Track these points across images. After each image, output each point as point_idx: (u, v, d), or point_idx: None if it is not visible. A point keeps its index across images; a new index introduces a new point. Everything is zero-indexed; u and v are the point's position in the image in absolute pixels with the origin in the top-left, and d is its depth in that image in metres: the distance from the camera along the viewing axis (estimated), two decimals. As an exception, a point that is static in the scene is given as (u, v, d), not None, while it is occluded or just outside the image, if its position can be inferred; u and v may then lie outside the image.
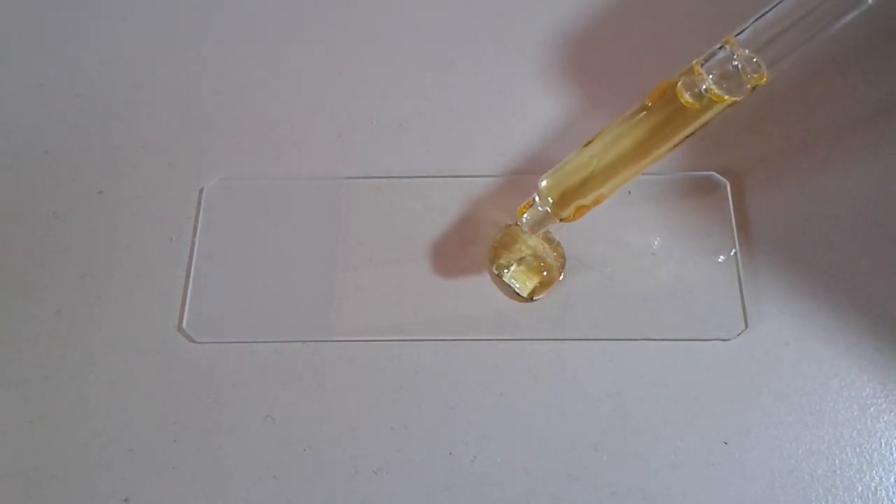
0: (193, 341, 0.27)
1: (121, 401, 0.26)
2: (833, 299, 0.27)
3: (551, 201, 0.24)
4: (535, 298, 0.27)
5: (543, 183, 0.24)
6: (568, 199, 0.24)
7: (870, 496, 0.24)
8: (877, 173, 0.28)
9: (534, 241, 0.28)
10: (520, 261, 0.27)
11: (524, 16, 0.33)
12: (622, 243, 0.28)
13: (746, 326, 0.26)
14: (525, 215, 0.25)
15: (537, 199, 0.24)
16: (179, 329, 0.27)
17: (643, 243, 0.28)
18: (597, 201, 0.24)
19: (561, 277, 0.27)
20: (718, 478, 0.24)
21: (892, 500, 0.24)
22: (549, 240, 0.28)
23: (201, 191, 0.29)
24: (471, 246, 0.28)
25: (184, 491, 0.25)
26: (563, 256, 0.28)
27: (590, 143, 0.24)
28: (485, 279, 0.28)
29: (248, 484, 0.25)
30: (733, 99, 0.22)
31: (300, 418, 0.26)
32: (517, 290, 0.27)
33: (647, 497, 0.24)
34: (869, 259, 0.27)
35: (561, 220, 0.24)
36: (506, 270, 0.27)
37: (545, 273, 0.27)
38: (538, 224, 0.25)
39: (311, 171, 0.30)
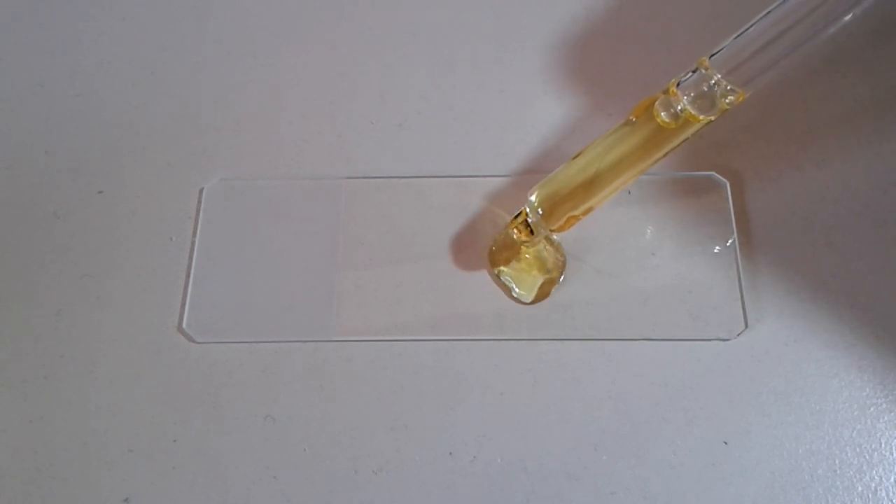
0: (193, 341, 0.27)
1: (121, 401, 0.26)
2: (833, 299, 0.27)
3: (541, 213, 0.24)
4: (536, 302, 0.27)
5: (533, 196, 0.24)
6: (558, 211, 0.24)
7: (870, 496, 0.24)
8: (877, 173, 0.28)
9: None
10: (520, 261, 0.27)
11: (524, 16, 0.33)
12: (622, 243, 0.28)
13: (746, 326, 0.26)
14: (516, 230, 0.25)
15: (528, 211, 0.25)
16: (179, 329, 0.27)
17: (643, 243, 0.28)
18: (587, 212, 0.25)
19: (561, 278, 0.27)
20: (718, 478, 0.24)
21: (892, 500, 0.24)
22: (550, 240, 0.28)
23: (201, 191, 0.29)
24: (471, 246, 0.28)
25: (184, 491, 0.25)
26: (563, 256, 0.28)
27: (578, 155, 0.24)
28: (485, 279, 0.28)
29: (248, 484, 0.25)
30: (708, 119, 0.23)
31: (300, 418, 0.26)
32: (519, 297, 0.27)
33: (647, 497, 0.24)
34: (869, 259, 0.27)
35: (551, 230, 0.25)
36: (504, 270, 0.27)
37: (547, 272, 0.27)
38: (529, 235, 0.25)
39: (311, 171, 0.30)
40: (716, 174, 0.29)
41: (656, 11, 0.32)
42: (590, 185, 0.24)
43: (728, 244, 0.27)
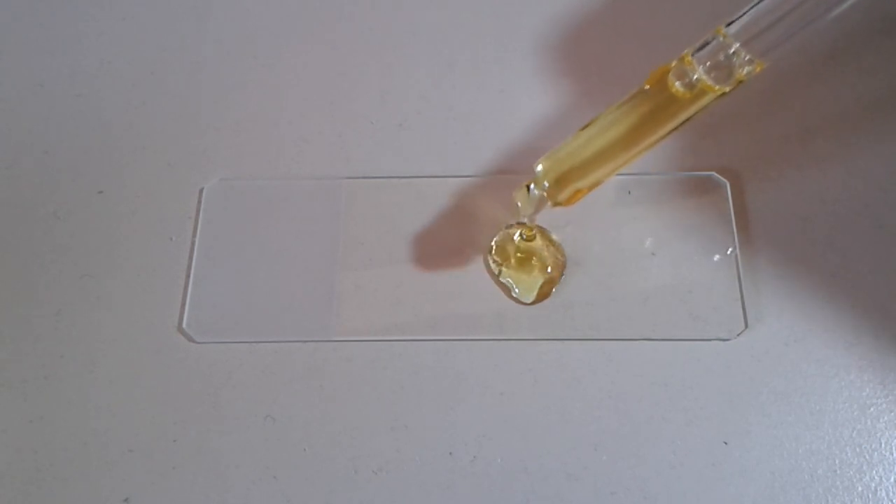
0: (193, 341, 0.27)
1: (121, 401, 0.26)
2: (833, 299, 0.27)
3: (547, 185, 0.24)
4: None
5: (540, 166, 0.24)
6: (564, 183, 0.24)
7: (870, 496, 0.24)
8: (877, 173, 0.28)
9: (534, 242, 0.28)
10: (520, 261, 0.27)
11: (524, 16, 0.33)
12: (622, 244, 0.28)
13: (746, 326, 0.26)
14: (519, 202, 0.25)
15: (533, 183, 0.24)
16: (179, 329, 0.27)
17: (643, 244, 0.28)
18: (593, 185, 0.24)
19: (562, 278, 0.27)
20: (718, 478, 0.24)
21: (892, 500, 0.24)
22: (550, 240, 0.28)
23: (201, 191, 0.29)
24: (471, 246, 0.28)
25: (184, 491, 0.25)
26: (563, 256, 0.28)
27: (587, 126, 0.24)
28: (485, 279, 0.28)
29: (248, 484, 0.25)
30: (723, 89, 0.22)
31: (300, 418, 0.26)
32: (519, 297, 0.27)
33: (647, 497, 0.24)
34: (869, 259, 0.27)
35: (556, 203, 0.24)
36: (505, 270, 0.27)
37: (547, 272, 0.27)
38: (533, 207, 0.25)
39: (311, 171, 0.30)
40: (716, 174, 0.29)
41: (656, 11, 0.32)
42: (598, 157, 0.23)
43: (728, 252, 0.27)
